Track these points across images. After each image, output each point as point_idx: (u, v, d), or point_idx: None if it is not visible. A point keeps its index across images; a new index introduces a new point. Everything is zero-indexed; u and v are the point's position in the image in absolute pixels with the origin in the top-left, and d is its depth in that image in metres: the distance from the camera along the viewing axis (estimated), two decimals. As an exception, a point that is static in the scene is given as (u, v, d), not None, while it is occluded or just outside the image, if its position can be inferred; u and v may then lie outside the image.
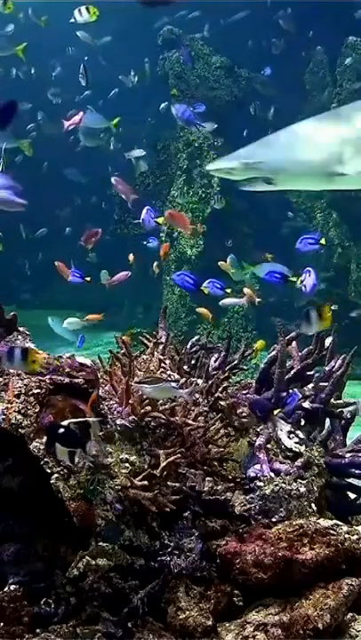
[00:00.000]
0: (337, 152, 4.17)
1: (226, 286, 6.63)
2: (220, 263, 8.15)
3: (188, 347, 3.98)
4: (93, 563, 2.74)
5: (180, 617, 2.75)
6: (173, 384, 3.14)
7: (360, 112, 4.74)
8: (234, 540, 2.93)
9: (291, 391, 3.78)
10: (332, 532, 2.85)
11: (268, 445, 3.51)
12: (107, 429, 3.04)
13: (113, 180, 7.68)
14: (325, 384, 3.78)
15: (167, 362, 3.59)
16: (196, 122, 8.25)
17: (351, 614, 2.73)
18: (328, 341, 4.00)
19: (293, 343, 4.00)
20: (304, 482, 3.30)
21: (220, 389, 3.56)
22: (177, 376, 3.47)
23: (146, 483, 2.91)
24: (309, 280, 5.41)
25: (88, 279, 7.03)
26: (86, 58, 12.17)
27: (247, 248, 10.70)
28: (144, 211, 6.96)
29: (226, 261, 8.10)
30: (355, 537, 2.85)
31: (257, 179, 3.96)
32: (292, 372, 3.86)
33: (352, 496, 3.71)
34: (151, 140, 12.78)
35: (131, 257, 8.46)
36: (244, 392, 3.82)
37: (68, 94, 12.37)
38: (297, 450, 3.52)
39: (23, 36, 12.19)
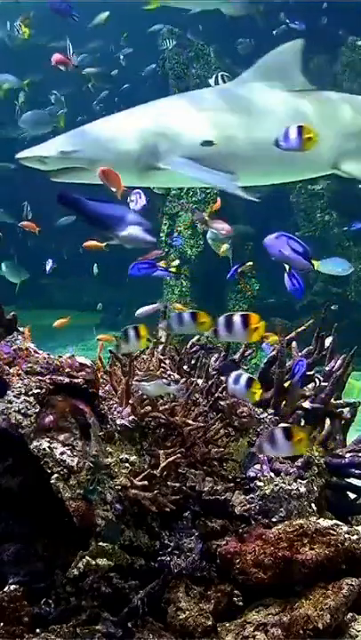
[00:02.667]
0: (152, 145, 4.10)
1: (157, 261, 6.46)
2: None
3: (188, 347, 3.98)
4: (93, 563, 2.74)
5: (180, 617, 2.75)
6: (164, 380, 3.15)
7: (179, 104, 4.74)
8: (234, 540, 2.93)
9: (297, 359, 3.76)
10: (332, 531, 2.85)
11: (269, 445, 3.51)
12: (107, 429, 3.04)
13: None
14: (325, 384, 3.78)
15: (167, 362, 3.59)
16: (73, 14, 7.94)
17: (351, 614, 2.73)
18: (328, 341, 4.00)
19: (293, 343, 4.00)
20: (304, 482, 3.30)
21: (220, 389, 3.56)
22: (177, 376, 3.47)
23: (146, 483, 2.91)
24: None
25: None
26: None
27: (248, 248, 10.69)
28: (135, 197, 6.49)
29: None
30: (355, 537, 2.85)
31: (71, 169, 3.89)
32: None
33: (352, 496, 3.71)
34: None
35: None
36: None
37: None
38: (297, 450, 3.52)
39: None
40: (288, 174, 5.06)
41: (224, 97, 4.71)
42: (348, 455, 3.63)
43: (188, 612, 2.75)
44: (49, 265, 7.23)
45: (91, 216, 3.26)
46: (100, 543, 2.78)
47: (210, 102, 4.65)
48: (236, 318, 2.94)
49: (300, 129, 3.70)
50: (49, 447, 2.78)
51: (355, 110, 5.13)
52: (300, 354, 3.98)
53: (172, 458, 3.01)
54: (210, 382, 3.60)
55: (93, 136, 4.09)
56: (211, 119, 4.42)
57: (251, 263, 6.78)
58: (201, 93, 5.00)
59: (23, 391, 2.90)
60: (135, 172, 4.02)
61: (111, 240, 3.39)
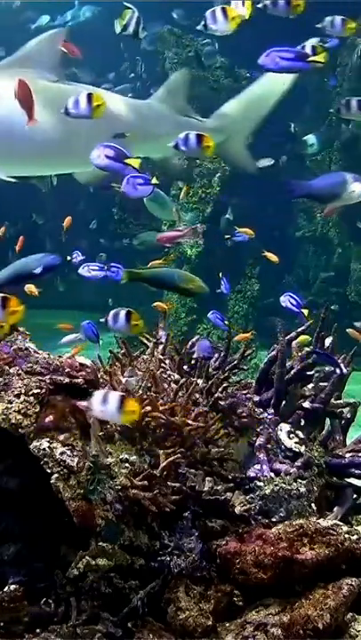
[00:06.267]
0: None
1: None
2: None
3: (188, 347, 3.98)
4: (93, 563, 2.74)
5: (180, 617, 2.75)
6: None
7: None
8: (234, 540, 2.93)
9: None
10: (332, 531, 2.85)
11: (268, 445, 3.52)
12: (107, 429, 3.04)
13: None
14: (325, 384, 3.78)
15: (167, 362, 3.59)
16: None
17: (351, 614, 2.73)
18: (328, 341, 4.00)
19: (293, 343, 4.00)
20: (304, 482, 3.30)
21: (219, 389, 3.56)
22: (177, 376, 3.47)
23: (146, 483, 2.91)
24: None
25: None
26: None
27: (248, 248, 10.69)
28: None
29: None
30: (355, 537, 2.85)
31: None
32: (292, 372, 3.85)
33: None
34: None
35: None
36: (244, 392, 3.81)
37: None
38: (297, 450, 3.52)
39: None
40: (44, 167, 5.17)
41: None
42: (348, 455, 3.63)
43: (188, 612, 2.75)
44: (78, 257, 6.89)
45: (317, 193, 3.34)
46: (100, 543, 2.78)
47: None
48: None
49: (90, 96, 3.91)
50: (49, 447, 2.79)
51: (112, 109, 5.14)
52: (299, 354, 3.98)
53: (172, 458, 3.01)
54: (210, 382, 3.60)
55: None
56: None
57: (275, 258, 6.72)
58: None
59: (23, 391, 2.90)
60: None
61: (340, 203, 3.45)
